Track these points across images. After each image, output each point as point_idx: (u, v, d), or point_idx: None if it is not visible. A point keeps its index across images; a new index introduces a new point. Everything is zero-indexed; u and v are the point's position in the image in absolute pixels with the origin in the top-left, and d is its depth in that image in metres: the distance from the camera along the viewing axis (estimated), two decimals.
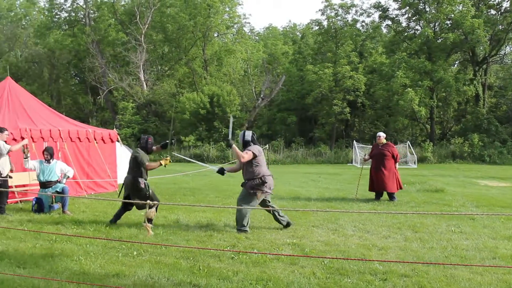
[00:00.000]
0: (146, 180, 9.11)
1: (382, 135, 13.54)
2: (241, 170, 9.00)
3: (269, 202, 8.94)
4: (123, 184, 9.31)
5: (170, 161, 9.16)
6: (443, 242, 7.84)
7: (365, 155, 14.84)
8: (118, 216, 9.28)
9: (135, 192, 8.94)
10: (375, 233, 8.54)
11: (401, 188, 13.16)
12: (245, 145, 8.88)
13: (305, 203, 12.67)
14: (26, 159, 10.75)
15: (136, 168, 9.02)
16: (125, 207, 9.35)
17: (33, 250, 7.12)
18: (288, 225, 8.91)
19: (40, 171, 10.83)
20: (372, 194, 13.41)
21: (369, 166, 13.68)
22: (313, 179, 20.58)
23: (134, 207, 9.41)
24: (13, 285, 5.51)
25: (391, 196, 12.89)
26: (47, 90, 52.05)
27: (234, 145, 8.78)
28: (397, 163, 13.17)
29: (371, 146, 14.80)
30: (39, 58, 51.90)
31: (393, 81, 36.09)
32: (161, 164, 9.00)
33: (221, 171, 9.01)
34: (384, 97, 38.31)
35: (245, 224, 8.52)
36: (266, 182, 8.66)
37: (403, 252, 7.18)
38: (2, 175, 10.21)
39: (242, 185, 8.84)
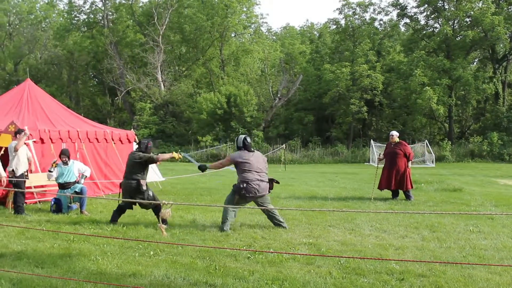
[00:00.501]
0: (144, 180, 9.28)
1: (395, 133, 13.47)
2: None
3: (263, 204, 9.03)
4: (121, 187, 9.48)
5: (181, 157, 9.39)
6: (461, 241, 7.76)
7: (379, 154, 14.76)
8: (116, 215, 9.45)
9: (138, 195, 9.06)
10: (392, 232, 8.49)
11: (411, 187, 13.03)
12: (238, 150, 9.19)
13: (322, 202, 12.63)
14: (51, 173, 10.91)
15: (139, 171, 9.20)
16: (124, 208, 9.47)
17: (51, 250, 7.20)
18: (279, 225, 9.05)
19: (58, 174, 10.95)
20: (388, 193, 13.33)
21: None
22: (330, 178, 20.51)
23: (135, 206, 9.66)
24: (31, 284, 5.58)
25: (407, 196, 12.81)
26: (66, 91, 52.63)
27: (207, 165, 9.41)
28: (410, 162, 13.06)
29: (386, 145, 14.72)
30: (58, 60, 52.55)
31: (411, 79, 35.82)
32: (172, 157, 9.23)
33: (202, 168, 9.34)
34: (402, 96, 38.01)
35: (226, 223, 8.72)
36: (246, 188, 8.75)
37: (420, 252, 7.12)
38: (16, 175, 10.36)
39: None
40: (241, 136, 9.26)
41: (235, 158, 8.96)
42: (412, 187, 13.08)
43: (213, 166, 9.52)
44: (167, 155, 9.43)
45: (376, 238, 8.09)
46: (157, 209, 8.96)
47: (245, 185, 8.73)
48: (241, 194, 8.74)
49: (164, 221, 7.76)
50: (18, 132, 10.70)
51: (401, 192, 12.99)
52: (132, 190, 9.12)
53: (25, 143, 10.81)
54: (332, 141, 40.26)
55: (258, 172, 8.85)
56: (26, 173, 10.59)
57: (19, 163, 10.46)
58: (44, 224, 9.37)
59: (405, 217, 9.84)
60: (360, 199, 13.18)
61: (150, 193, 9.20)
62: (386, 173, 13.02)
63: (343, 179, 20.29)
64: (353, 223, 9.33)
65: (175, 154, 9.26)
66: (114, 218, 9.37)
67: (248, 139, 9.19)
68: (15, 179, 10.31)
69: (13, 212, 10.43)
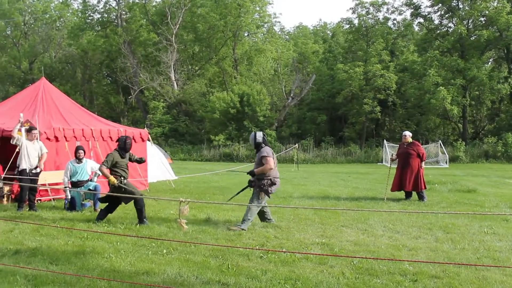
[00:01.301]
0: (122, 177, 9.29)
1: (408, 134, 13.39)
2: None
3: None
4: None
5: (117, 183, 9.10)
6: (475, 243, 7.71)
7: (392, 155, 14.69)
8: (103, 214, 9.54)
9: (115, 191, 9.10)
10: (405, 233, 8.45)
11: (425, 188, 12.93)
12: (257, 146, 8.99)
13: (334, 202, 12.60)
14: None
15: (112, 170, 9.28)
16: (111, 208, 9.58)
17: (66, 247, 7.26)
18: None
19: (72, 172, 11.04)
20: (401, 194, 13.26)
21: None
22: (343, 178, 20.45)
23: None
24: (46, 281, 5.64)
25: (421, 196, 12.74)
26: (80, 90, 53.01)
27: (256, 170, 8.79)
28: (423, 162, 12.98)
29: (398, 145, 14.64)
30: (72, 59, 52.97)
31: (425, 79, 35.61)
32: (109, 180, 9.10)
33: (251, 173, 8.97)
34: (416, 95, 37.75)
35: (248, 223, 8.65)
36: (275, 184, 8.81)
37: (433, 253, 7.08)
38: (18, 170, 10.58)
39: (249, 184, 8.97)
40: (258, 132, 9.14)
41: (271, 155, 8.83)
42: (425, 188, 13.00)
43: (259, 171, 8.84)
44: (106, 173, 9.14)
45: (389, 238, 8.06)
46: (138, 204, 9.09)
47: (276, 182, 8.79)
48: (268, 192, 8.75)
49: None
50: (28, 130, 10.85)
51: (414, 192, 12.91)
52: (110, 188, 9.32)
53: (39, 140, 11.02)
54: (345, 141, 40.13)
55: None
56: (32, 169, 10.70)
57: (21, 158, 10.63)
58: (58, 221, 9.45)
59: (419, 218, 9.79)
60: (373, 199, 13.13)
61: (128, 189, 9.24)
62: (399, 174, 12.94)
63: (356, 179, 20.22)
64: (366, 223, 9.31)
65: (112, 179, 9.05)
66: (101, 216, 9.45)
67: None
68: (19, 176, 10.58)
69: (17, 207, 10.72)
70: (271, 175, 8.75)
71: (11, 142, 10.89)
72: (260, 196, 8.77)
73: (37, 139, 10.98)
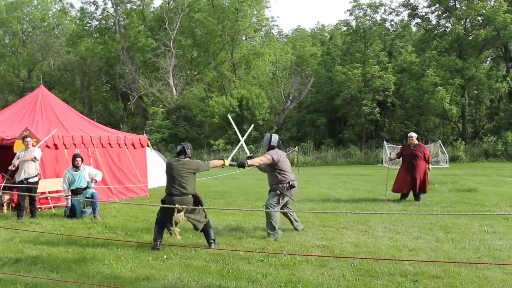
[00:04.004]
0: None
1: (414, 135, 13.32)
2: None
3: (289, 207, 8.98)
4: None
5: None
6: (476, 242, 7.70)
7: (390, 154, 14.63)
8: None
9: None
10: (405, 234, 8.45)
11: (426, 191, 12.86)
12: (270, 149, 8.65)
13: (335, 204, 12.59)
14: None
15: None
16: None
17: (66, 254, 7.26)
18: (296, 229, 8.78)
19: (70, 180, 11.04)
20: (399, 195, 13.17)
21: (398, 166, 13.48)
22: (343, 180, 20.45)
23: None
24: None
25: (417, 197, 12.70)
26: (79, 97, 53.05)
27: (250, 161, 8.38)
28: (430, 164, 12.95)
29: (400, 146, 14.57)
30: (71, 66, 53.05)
31: (424, 80, 35.64)
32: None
33: (242, 165, 8.36)
34: (415, 96, 37.81)
35: (276, 228, 8.30)
36: (294, 187, 8.60)
37: (434, 253, 7.08)
38: (16, 181, 10.69)
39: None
40: (274, 135, 8.82)
41: (279, 157, 8.49)
42: (426, 191, 12.97)
43: (256, 161, 8.51)
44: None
45: (389, 239, 8.05)
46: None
47: (295, 185, 8.59)
48: (290, 194, 8.54)
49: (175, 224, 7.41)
50: (22, 138, 10.91)
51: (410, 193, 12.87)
52: None
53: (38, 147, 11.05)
54: (344, 143, 40.15)
55: None
56: (29, 178, 10.72)
57: (18, 171, 10.68)
58: (59, 229, 9.45)
59: (419, 218, 9.78)
60: (374, 201, 13.12)
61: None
62: (403, 176, 12.84)
63: (356, 180, 20.21)
64: (366, 224, 9.30)
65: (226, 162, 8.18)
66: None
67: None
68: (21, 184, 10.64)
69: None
70: (288, 179, 8.49)
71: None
72: (279, 200, 8.44)
73: (32, 146, 10.97)
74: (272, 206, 8.35)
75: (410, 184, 12.68)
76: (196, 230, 7.79)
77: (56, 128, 12.72)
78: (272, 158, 8.42)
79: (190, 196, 7.54)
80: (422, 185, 12.64)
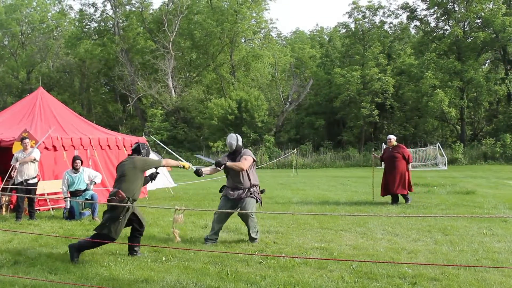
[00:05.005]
0: None
1: (392, 137, 13.37)
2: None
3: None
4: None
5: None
6: (474, 244, 7.71)
7: (373, 150, 14.64)
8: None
9: None
10: (404, 236, 8.45)
11: (410, 190, 12.82)
12: (238, 149, 8.28)
13: (333, 207, 12.60)
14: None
15: None
16: None
17: (65, 256, 7.24)
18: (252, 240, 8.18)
19: (69, 182, 11.03)
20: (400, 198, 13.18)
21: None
22: (341, 182, 20.44)
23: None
24: None
25: (406, 198, 12.70)
26: (78, 99, 53.01)
27: (228, 163, 8.00)
28: (410, 164, 12.89)
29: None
30: (70, 68, 53.04)
31: (422, 82, 35.72)
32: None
33: (197, 172, 8.10)
34: (413, 98, 37.89)
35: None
36: (263, 192, 8.42)
37: (433, 255, 7.09)
38: (16, 181, 10.69)
39: (233, 195, 8.09)
40: (238, 135, 8.39)
41: (253, 157, 8.25)
42: (412, 190, 12.95)
43: (231, 165, 8.05)
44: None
45: (388, 242, 8.06)
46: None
47: (262, 190, 8.44)
48: (258, 200, 8.31)
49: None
50: (20, 140, 10.91)
51: (401, 196, 12.85)
52: None
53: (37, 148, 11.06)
54: (343, 145, 40.17)
55: None
56: (29, 180, 10.71)
57: (17, 172, 10.64)
58: (57, 231, 9.44)
59: (418, 221, 9.78)
60: (372, 203, 13.12)
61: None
62: (386, 179, 12.89)
63: (355, 183, 20.21)
64: (365, 227, 9.30)
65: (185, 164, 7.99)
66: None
67: None
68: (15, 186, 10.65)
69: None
70: (256, 182, 8.26)
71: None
72: (255, 205, 8.21)
73: (31, 147, 10.96)
74: (253, 215, 8.06)
75: (391, 185, 12.67)
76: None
77: (54, 127, 12.70)
78: (253, 159, 8.23)
79: None
80: (402, 186, 12.56)
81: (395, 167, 12.66)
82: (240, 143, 8.31)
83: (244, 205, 8.06)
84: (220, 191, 8.49)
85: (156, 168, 7.74)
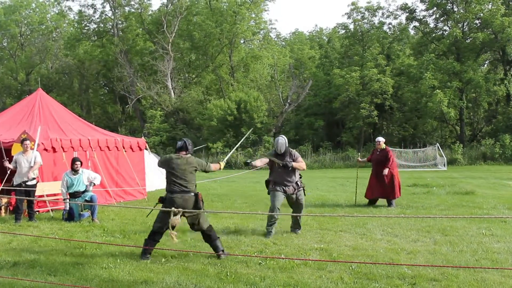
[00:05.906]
0: None
1: (381, 140, 13.20)
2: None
3: None
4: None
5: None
6: (474, 245, 7.72)
7: (358, 153, 14.52)
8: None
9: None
10: (403, 237, 8.45)
11: (397, 196, 12.56)
12: (287, 150, 9.03)
13: (333, 208, 12.60)
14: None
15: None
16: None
17: (64, 258, 7.24)
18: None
19: (68, 184, 11.01)
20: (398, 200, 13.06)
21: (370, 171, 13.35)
22: (341, 183, 20.45)
23: None
24: None
25: (389, 202, 12.50)
26: (77, 100, 52.99)
27: (294, 164, 8.93)
28: (387, 169, 12.43)
29: (399, 149, 14.52)
30: (69, 69, 53.00)
31: (421, 83, 35.71)
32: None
33: (247, 164, 9.08)
34: (412, 99, 37.89)
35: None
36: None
37: (432, 256, 7.09)
38: (14, 183, 10.65)
39: (289, 190, 8.95)
40: (282, 138, 9.16)
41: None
42: (399, 196, 12.73)
43: (297, 166, 9.06)
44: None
45: (387, 242, 8.06)
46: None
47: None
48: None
49: (173, 228, 7.32)
50: (21, 141, 10.89)
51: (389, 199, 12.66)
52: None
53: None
54: (342, 146, 40.15)
55: None
56: (27, 181, 10.68)
57: (16, 174, 10.67)
58: (57, 232, 9.43)
59: (417, 221, 9.78)
60: (372, 204, 13.10)
61: None
62: (371, 182, 12.81)
63: (354, 183, 20.14)
64: (364, 228, 9.30)
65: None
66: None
67: None
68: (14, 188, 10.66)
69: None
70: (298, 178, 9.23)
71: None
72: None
73: (32, 149, 10.94)
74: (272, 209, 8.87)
75: (380, 189, 12.57)
76: (193, 230, 7.50)
77: (40, 125, 12.59)
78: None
79: (192, 194, 7.28)
80: (390, 190, 12.41)
81: (381, 171, 12.54)
82: (287, 145, 9.15)
83: (298, 196, 9.08)
84: (267, 186, 9.19)
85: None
